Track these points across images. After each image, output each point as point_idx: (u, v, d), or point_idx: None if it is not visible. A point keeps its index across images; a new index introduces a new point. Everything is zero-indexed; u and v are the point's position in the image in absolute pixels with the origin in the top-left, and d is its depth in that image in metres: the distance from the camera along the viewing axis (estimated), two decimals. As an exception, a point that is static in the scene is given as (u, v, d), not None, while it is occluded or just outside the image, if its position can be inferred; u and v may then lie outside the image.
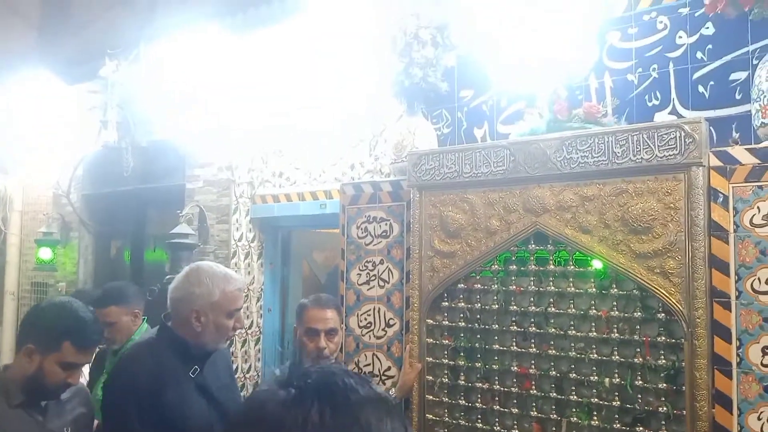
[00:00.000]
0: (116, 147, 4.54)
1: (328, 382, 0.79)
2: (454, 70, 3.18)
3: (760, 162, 2.04)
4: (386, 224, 2.89)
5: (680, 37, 2.60)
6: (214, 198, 4.04)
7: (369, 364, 2.86)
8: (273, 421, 0.76)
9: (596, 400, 2.24)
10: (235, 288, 2.15)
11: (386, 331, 2.83)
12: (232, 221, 3.95)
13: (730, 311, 2.04)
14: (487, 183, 2.52)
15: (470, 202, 2.57)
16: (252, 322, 3.99)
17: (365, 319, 2.90)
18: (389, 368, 2.80)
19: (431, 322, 2.65)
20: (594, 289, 2.28)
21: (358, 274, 2.95)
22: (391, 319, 2.82)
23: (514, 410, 2.41)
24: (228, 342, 2.36)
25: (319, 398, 0.76)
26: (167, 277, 3.83)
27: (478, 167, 2.54)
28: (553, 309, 2.37)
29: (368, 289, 2.91)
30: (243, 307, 2.12)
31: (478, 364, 2.52)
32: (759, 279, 2.00)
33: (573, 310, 2.32)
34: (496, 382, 2.47)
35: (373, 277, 2.90)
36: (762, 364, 1.98)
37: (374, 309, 2.88)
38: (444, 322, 2.63)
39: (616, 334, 2.22)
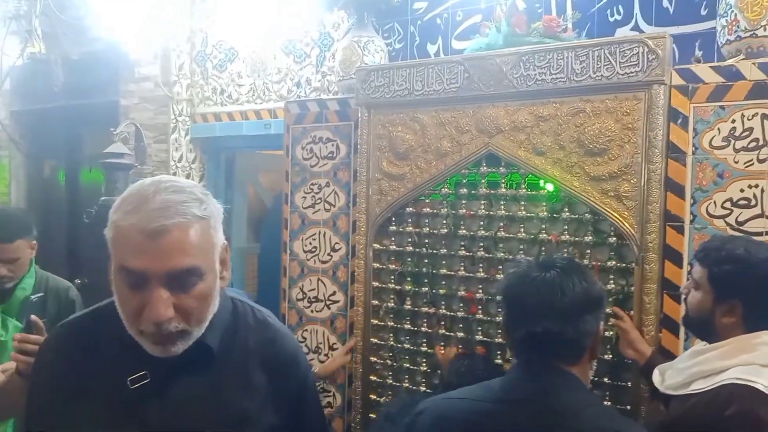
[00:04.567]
0: (45, 59, 4.18)
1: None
2: (408, -21, 2.95)
3: (724, 81, 1.93)
4: (332, 145, 2.72)
5: (647, -54, 2.43)
6: (151, 116, 3.76)
7: (314, 289, 2.75)
8: None
9: (543, 325, 2.20)
10: (129, 222, 1.12)
11: (332, 256, 2.71)
12: (171, 141, 3.70)
13: (683, 235, 1.98)
14: (439, 101, 2.36)
15: (421, 122, 2.41)
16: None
17: (310, 243, 2.77)
18: (334, 293, 2.71)
19: (378, 246, 2.54)
20: (545, 213, 2.20)
21: (303, 197, 2.79)
22: (336, 243, 2.70)
23: (460, 334, 2.36)
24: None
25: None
26: (102, 198, 3.61)
27: (430, 84, 2.37)
28: (503, 233, 2.28)
29: (313, 213, 2.77)
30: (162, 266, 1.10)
31: (424, 289, 2.44)
32: (715, 203, 1.94)
33: (523, 234, 2.24)
34: (443, 307, 2.41)
35: (318, 200, 2.75)
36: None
37: (319, 233, 2.75)
38: (391, 247, 2.52)
39: (566, 259, 2.15)
